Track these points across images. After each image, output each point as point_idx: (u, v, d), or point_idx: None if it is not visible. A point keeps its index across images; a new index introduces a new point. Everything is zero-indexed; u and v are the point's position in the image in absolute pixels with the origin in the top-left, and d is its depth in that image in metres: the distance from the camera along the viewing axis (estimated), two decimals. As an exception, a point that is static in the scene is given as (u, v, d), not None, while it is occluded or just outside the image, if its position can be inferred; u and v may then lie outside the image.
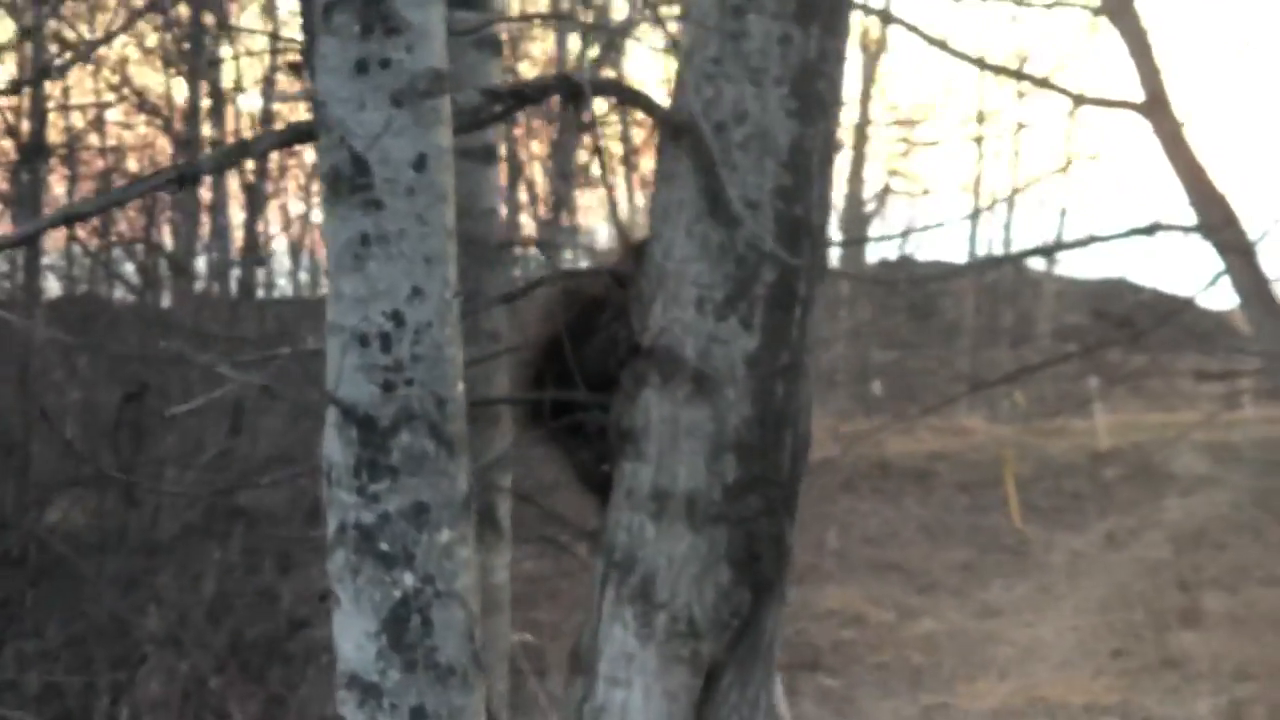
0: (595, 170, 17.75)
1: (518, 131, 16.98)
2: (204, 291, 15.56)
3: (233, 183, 16.25)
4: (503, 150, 14.38)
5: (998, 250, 25.64)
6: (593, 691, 3.02)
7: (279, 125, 16.30)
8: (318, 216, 18.25)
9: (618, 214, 3.30)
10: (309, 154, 14.66)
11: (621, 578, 3.01)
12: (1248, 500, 15.86)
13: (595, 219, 21.24)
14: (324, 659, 9.67)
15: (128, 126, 15.89)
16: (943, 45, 10.00)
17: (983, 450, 18.55)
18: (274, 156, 14.29)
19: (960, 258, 26.92)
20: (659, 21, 3.38)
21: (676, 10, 3.35)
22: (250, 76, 17.13)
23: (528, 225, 18.38)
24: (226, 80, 16.40)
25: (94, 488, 10.29)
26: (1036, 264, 26.41)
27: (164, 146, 15.76)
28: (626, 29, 4.23)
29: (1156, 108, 9.43)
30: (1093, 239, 8.66)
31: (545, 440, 3.30)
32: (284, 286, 21.15)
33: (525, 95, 3.00)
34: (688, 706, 3.00)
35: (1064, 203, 34.69)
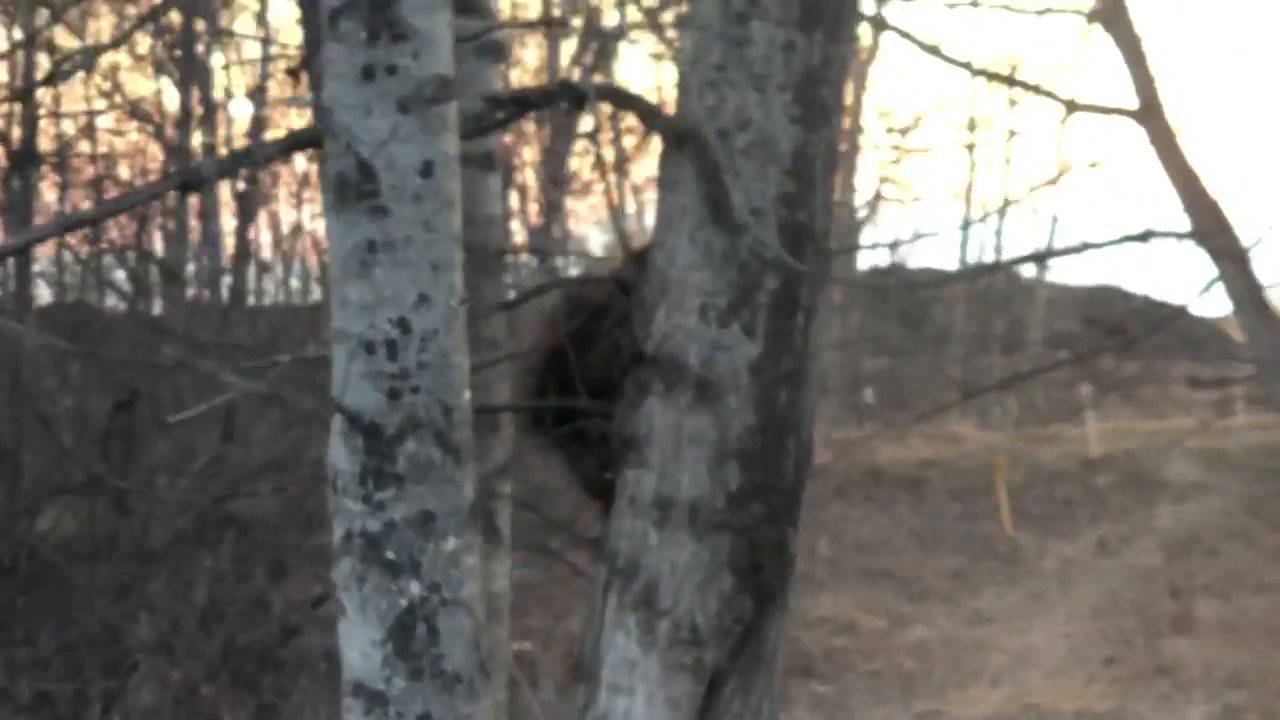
0: (592, 177, 17.77)
1: (509, 138, 16.98)
2: (195, 298, 15.55)
3: (223, 190, 16.25)
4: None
5: (989, 257, 25.64)
6: (595, 699, 3.01)
7: (270, 132, 16.32)
8: (309, 223, 18.26)
9: (619, 221, 3.28)
10: (299, 161, 14.66)
11: (624, 585, 3.00)
12: (1240, 507, 15.87)
13: (586, 225, 21.27)
14: (317, 667, 9.66)
15: (119, 133, 15.88)
16: (935, 51, 10.03)
17: (974, 457, 18.55)
18: (266, 163, 14.27)
19: (952, 265, 26.89)
20: (655, 27, 3.37)
21: (674, 16, 3.34)
22: (241, 83, 17.12)
23: (518, 232, 18.39)
24: (218, 87, 16.38)
25: (85, 495, 10.27)
26: (1028, 271, 26.40)
27: (155, 153, 15.76)
28: (620, 34, 4.22)
29: (1150, 114, 9.46)
30: (1086, 246, 8.61)
31: (548, 448, 3.30)
32: (274, 293, 21.11)
33: (528, 102, 3.00)
34: (690, 714, 2.99)
35: (1056, 209, 34.73)
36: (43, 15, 11.00)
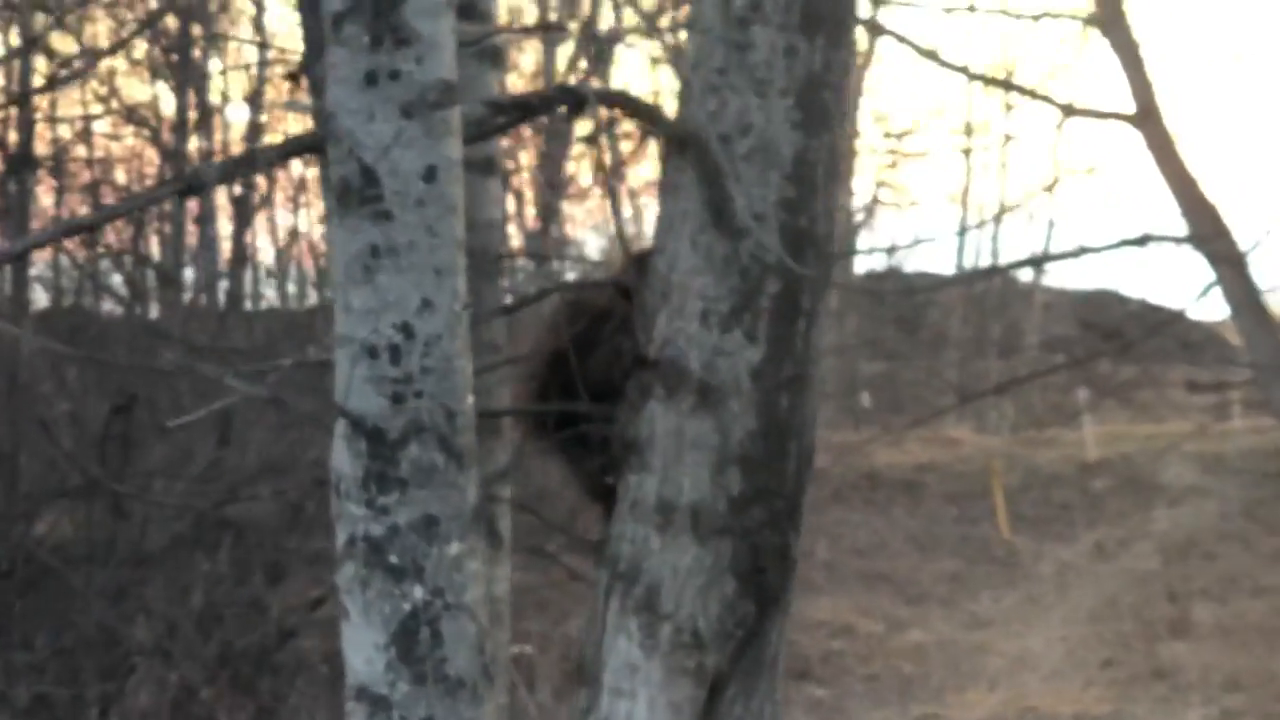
0: (592, 181, 17.74)
1: (505, 142, 16.98)
2: (192, 303, 15.54)
3: (220, 194, 16.25)
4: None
5: (985, 261, 25.64)
6: (597, 703, 3.01)
7: (267, 136, 16.32)
8: (305, 227, 18.26)
9: (620, 225, 3.26)
10: (295, 165, 14.65)
11: (626, 589, 3.00)
12: (1237, 511, 15.89)
13: (582, 229, 21.26)
14: (314, 670, 9.66)
15: (115, 138, 15.87)
16: (932, 56, 10.02)
17: (971, 461, 18.57)
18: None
19: (948, 269, 26.89)
20: (652, 31, 3.38)
21: (670, 20, 3.34)
22: (237, 88, 17.13)
23: (515, 236, 18.39)
24: (214, 92, 16.39)
25: (82, 499, 10.26)
26: (1025, 275, 26.40)
27: (152, 158, 15.76)
28: (616, 38, 4.22)
29: (1148, 119, 9.46)
30: (1083, 250, 8.63)
31: (550, 451, 3.30)
32: (271, 297, 21.11)
33: (530, 107, 2.99)
34: (692, 718, 2.99)
35: (1053, 213, 34.70)
36: (40, 20, 11.00)
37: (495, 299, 4.30)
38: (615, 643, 3.01)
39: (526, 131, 16.18)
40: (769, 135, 2.95)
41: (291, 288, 21.44)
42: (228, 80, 16.65)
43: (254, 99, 16.37)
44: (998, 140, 25.79)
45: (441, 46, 2.46)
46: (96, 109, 14.78)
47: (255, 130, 16.44)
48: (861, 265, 26.35)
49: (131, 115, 14.75)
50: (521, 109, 3.01)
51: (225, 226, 16.80)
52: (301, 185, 17.59)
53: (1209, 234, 8.99)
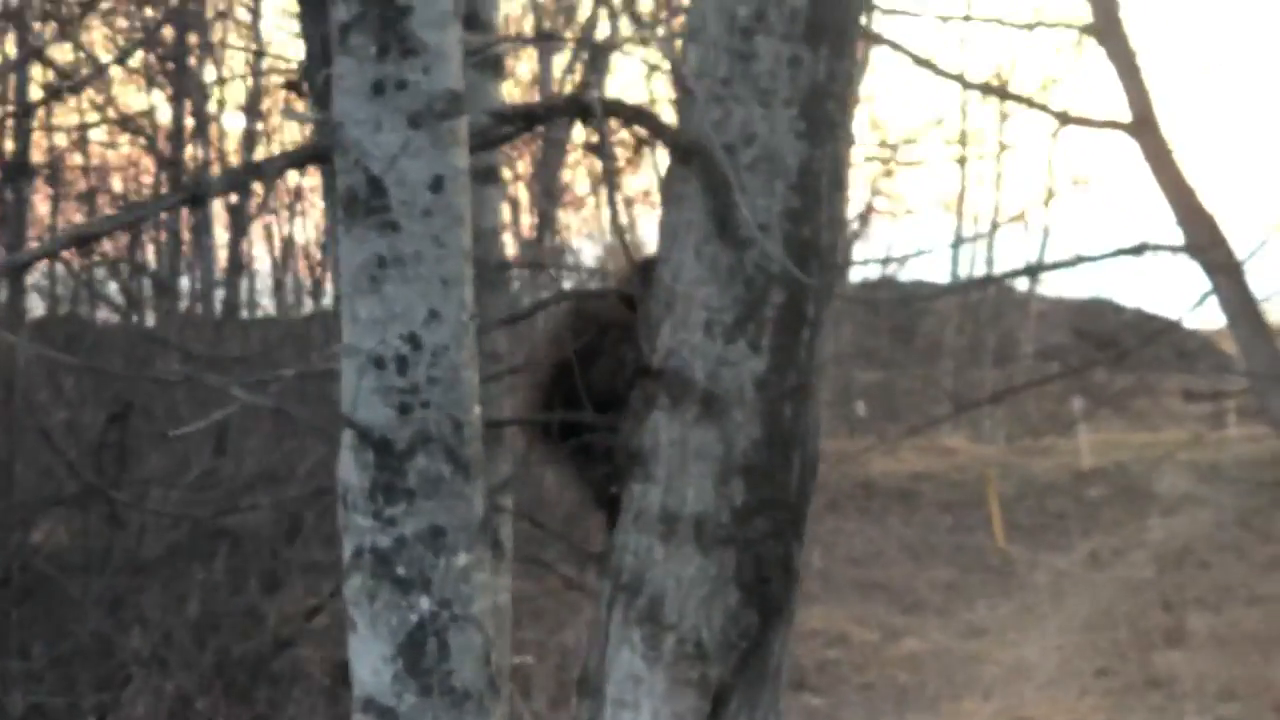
0: (590, 190, 17.73)
1: (501, 151, 16.95)
2: (188, 311, 15.51)
3: (216, 203, 16.21)
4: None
5: (980, 270, 25.65)
6: (600, 714, 3.00)
7: (264, 145, 16.31)
8: (301, 236, 18.26)
9: (622, 235, 3.26)
10: (292, 174, 14.63)
11: (629, 600, 3.00)
12: (1231, 519, 15.90)
13: (577, 238, 21.25)
14: (310, 679, 9.65)
15: (112, 146, 15.84)
16: (928, 65, 10.02)
17: (966, 470, 18.57)
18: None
19: (943, 278, 26.91)
20: (649, 40, 3.37)
21: (666, 29, 3.34)
22: (234, 97, 17.12)
23: (510, 244, 18.38)
24: (211, 101, 16.37)
25: (78, 507, 10.24)
26: (1020, 284, 26.42)
27: (148, 166, 15.73)
28: (613, 46, 4.22)
29: (1144, 128, 9.47)
30: (1079, 259, 8.63)
31: (554, 461, 3.29)
32: (268, 306, 21.07)
33: (534, 116, 2.99)
34: (695, 729, 2.99)
35: (1048, 222, 34.72)
36: (40, 28, 10.99)
37: (499, 308, 4.29)
38: (618, 654, 3.00)
39: (523, 139, 16.18)
40: (773, 145, 2.95)
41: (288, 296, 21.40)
42: (224, 89, 16.65)
43: (251, 107, 16.37)
44: (994, 149, 25.83)
45: (448, 57, 2.46)
46: (93, 117, 14.75)
47: (252, 139, 16.44)
48: (857, 274, 26.35)
49: (128, 123, 14.72)
50: (526, 119, 3.01)
51: (221, 235, 16.79)
52: (298, 194, 17.58)
53: (1205, 243, 9.00)
